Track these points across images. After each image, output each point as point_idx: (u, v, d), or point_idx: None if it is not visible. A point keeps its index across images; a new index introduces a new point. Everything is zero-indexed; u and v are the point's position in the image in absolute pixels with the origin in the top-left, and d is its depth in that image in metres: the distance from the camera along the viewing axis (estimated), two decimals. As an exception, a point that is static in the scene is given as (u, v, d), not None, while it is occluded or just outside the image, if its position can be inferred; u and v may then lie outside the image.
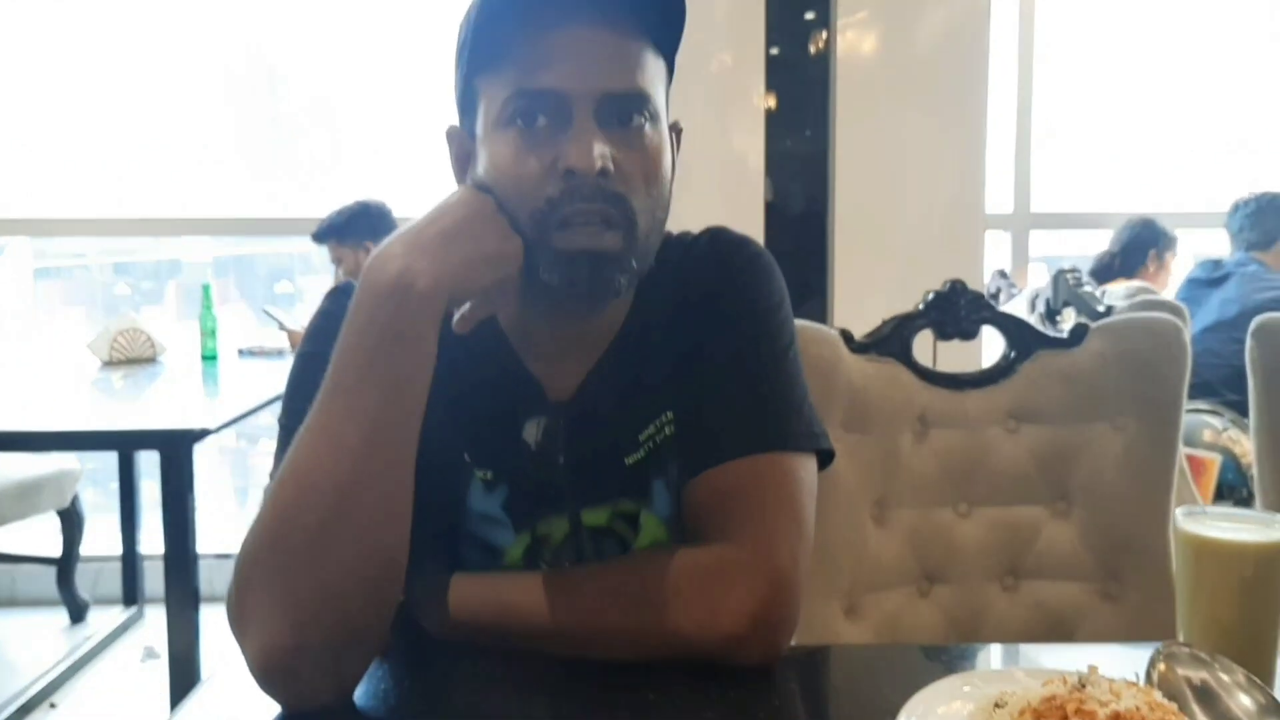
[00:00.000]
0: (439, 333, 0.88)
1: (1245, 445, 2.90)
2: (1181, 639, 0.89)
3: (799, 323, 1.11)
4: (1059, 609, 1.53)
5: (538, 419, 1.02)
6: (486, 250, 0.89)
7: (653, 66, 0.95)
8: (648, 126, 0.94)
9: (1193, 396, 1.63)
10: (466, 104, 0.99)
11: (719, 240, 1.07)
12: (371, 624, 0.87)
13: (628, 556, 1.02)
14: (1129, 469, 1.53)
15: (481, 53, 0.95)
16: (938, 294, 1.60)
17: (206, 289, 3.51)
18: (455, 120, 1.02)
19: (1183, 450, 1.61)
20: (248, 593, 0.85)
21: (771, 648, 0.91)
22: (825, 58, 2.98)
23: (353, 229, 3.30)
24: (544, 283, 0.93)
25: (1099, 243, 3.88)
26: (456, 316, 0.92)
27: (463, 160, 1.00)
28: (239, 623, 0.85)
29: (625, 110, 0.93)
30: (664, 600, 0.91)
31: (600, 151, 0.89)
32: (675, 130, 1.02)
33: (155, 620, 3.44)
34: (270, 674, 0.84)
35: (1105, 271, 3.64)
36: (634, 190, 0.92)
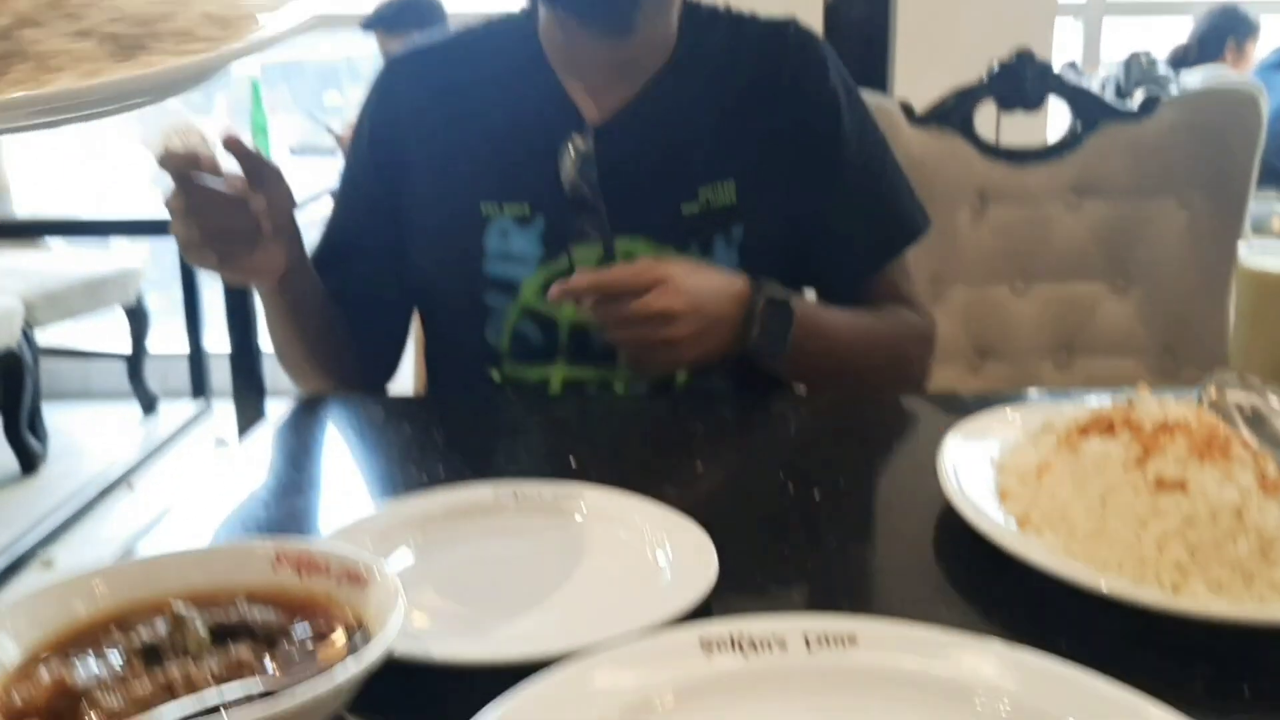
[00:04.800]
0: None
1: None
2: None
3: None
4: (1112, 384, 1.51)
5: (573, 140, 1.04)
6: None
7: None
8: None
9: (1262, 182, 1.58)
10: None
11: (801, 33, 1.11)
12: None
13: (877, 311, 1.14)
14: (1192, 246, 1.50)
15: None
16: (1004, 65, 1.54)
17: (256, 86, 3.48)
18: None
19: (1251, 236, 1.57)
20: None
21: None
22: None
23: (401, 19, 3.25)
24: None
25: (1175, 37, 3.70)
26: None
27: None
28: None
29: None
30: (894, 349, 1.13)
31: None
32: None
33: (223, 413, 3.57)
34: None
35: (1181, 64, 3.48)
36: None
